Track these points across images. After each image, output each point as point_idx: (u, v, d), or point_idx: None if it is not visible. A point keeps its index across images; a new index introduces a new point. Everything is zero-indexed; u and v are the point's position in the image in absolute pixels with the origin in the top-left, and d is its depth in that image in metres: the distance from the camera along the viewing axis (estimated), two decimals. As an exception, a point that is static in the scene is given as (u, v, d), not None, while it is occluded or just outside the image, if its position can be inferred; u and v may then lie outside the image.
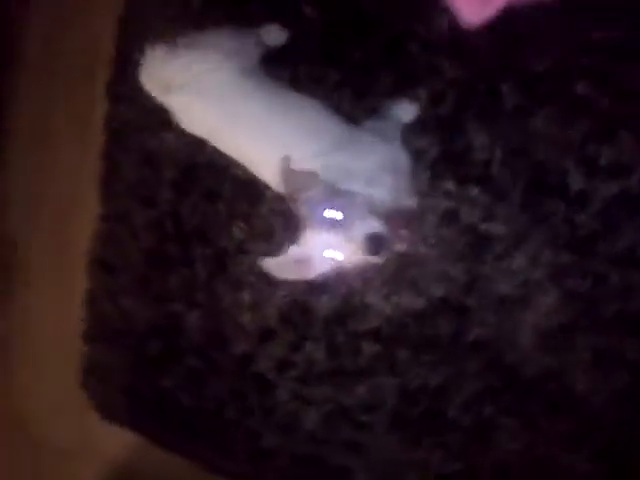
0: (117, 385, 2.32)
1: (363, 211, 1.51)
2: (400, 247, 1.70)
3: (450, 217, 1.88)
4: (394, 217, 1.56)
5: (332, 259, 1.53)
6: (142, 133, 2.14)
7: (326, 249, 1.52)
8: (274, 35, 1.90)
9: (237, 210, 2.07)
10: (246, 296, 2.10)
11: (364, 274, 1.94)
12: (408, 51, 1.86)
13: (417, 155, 1.81)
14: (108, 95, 2.19)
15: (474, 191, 1.85)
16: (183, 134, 1.85)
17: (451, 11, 1.72)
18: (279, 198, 1.95)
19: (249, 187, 2.02)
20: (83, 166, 2.27)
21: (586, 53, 1.75)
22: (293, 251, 1.58)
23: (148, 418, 2.30)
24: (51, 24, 2.31)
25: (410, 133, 1.80)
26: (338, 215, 1.49)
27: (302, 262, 1.57)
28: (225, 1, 1.99)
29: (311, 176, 1.53)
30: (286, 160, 1.55)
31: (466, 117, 1.84)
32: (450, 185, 1.86)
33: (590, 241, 1.81)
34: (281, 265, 1.59)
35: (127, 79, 2.11)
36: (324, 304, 2.03)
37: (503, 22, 1.74)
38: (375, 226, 1.49)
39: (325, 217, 1.50)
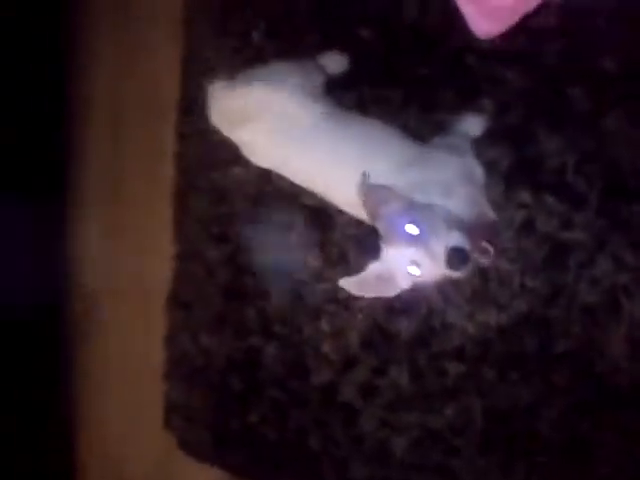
0: (201, 422, 2.32)
1: (443, 224, 1.47)
2: (483, 261, 1.65)
3: (527, 228, 1.84)
4: (475, 229, 1.52)
5: (414, 275, 1.50)
6: (211, 169, 2.16)
7: (408, 264, 1.49)
8: (335, 62, 1.91)
9: (310, 238, 2.06)
10: (325, 324, 2.08)
11: (445, 292, 1.92)
12: (468, 64, 1.84)
13: (489, 167, 1.77)
14: (176, 135, 2.23)
15: (550, 199, 1.81)
16: (251, 167, 1.87)
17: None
18: (351, 223, 1.96)
19: (320, 215, 2.02)
20: (155, 208, 2.30)
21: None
22: (374, 268, 1.55)
23: (234, 453, 2.29)
24: (116, 72, 2.36)
25: (480, 145, 1.77)
26: (418, 229, 1.47)
27: (383, 279, 1.54)
28: (284, 32, 2.01)
29: (390, 190, 1.51)
30: (365, 176, 1.53)
31: (536, 124, 1.80)
32: (525, 195, 1.82)
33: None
34: (362, 283, 1.57)
35: (193, 117, 2.16)
36: (405, 326, 2.00)
37: (566, 25, 1.71)
38: (457, 239, 1.45)
39: (405, 232, 1.47)
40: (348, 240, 2.02)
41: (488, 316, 1.92)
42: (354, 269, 1.92)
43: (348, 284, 1.58)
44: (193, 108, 2.16)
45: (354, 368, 2.08)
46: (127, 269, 2.42)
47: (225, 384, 2.26)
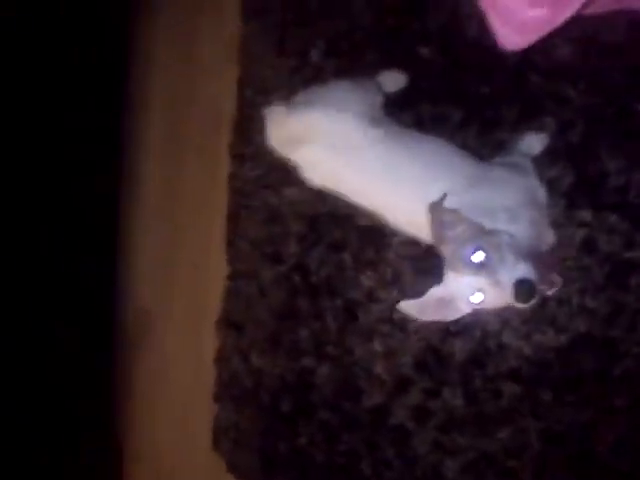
0: (250, 444, 2.31)
1: (510, 252, 1.46)
2: (550, 292, 1.64)
3: (588, 247, 1.83)
4: (541, 259, 1.51)
5: (477, 303, 1.49)
6: (265, 190, 2.18)
7: (471, 292, 1.48)
8: (394, 80, 1.93)
9: (364, 258, 2.07)
10: (378, 345, 2.08)
11: (501, 313, 1.90)
12: (530, 81, 1.85)
13: (550, 185, 1.77)
14: (231, 155, 2.26)
15: (612, 218, 1.80)
16: (305, 187, 1.87)
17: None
18: (406, 243, 1.96)
19: (374, 235, 2.03)
20: (209, 228, 2.32)
21: None
22: (435, 292, 1.55)
23: (283, 476, 2.26)
24: (174, 94, 2.40)
25: (541, 163, 1.77)
26: (484, 256, 1.46)
27: (444, 303, 1.54)
28: (343, 51, 2.03)
29: (458, 214, 1.50)
30: (437, 199, 1.52)
31: (598, 143, 1.80)
32: (586, 214, 1.82)
33: None
34: (422, 307, 1.56)
35: (249, 138, 2.18)
36: (459, 347, 1.98)
37: (632, 43, 1.72)
38: (524, 271, 1.43)
39: (471, 259, 1.47)
40: (403, 260, 2.02)
41: (545, 337, 1.90)
42: (408, 290, 1.96)
43: (408, 307, 1.57)
44: (248, 129, 2.19)
45: (407, 390, 2.06)
46: (180, 288, 2.43)
47: (275, 406, 2.25)
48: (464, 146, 1.81)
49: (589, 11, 1.70)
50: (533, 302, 1.45)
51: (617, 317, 1.83)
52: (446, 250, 1.53)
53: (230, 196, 2.28)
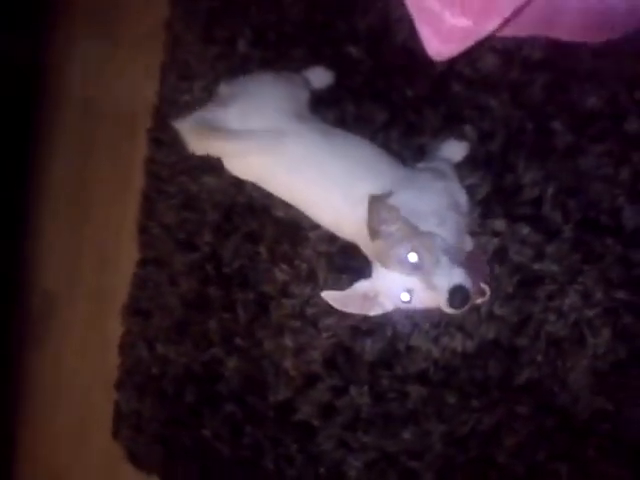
0: (152, 434, 2.25)
1: (444, 256, 1.47)
2: (479, 301, 1.66)
3: (500, 256, 1.86)
4: (475, 268, 1.53)
5: (404, 301, 1.50)
6: (183, 176, 2.13)
7: (401, 290, 1.49)
8: (320, 77, 1.91)
9: (279, 252, 2.04)
10: (288, 341, 2.06)
11: (411, 316, 1.92)
12: (454, 89, 1.86)
13: (467, 193, 1.79)
14: (149, 139, 2.19)
15: (524, 229, 1.84)
16: (224, 176, 1.84)
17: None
18: (323, 239, 1.95)
19: (291, 229, 2.01)
20: (122, 212, 2.25)
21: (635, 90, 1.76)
22: (361, 286, 1.55)
23: (186, 467, 2.22)
24: (92, 70, 2.32)
25: (460, 170, 1.79)
26: (416, 257, 1.46)
27: (368, 298, 1.54)
28: (270, 43, 2.00)
29: (397, 212, 1.50)
30: (378, 193, 1.53)
31: (516, 154, 1.83)
32: (500, 223, 1.84)
33: (646, 279, 1.79)
34: (345, 299, 1.56)
35: (169, 125, 2.12)
36: (369, 347, 1.99)
37: (552, 59, 1.75)
38: (461, 277, 1.45)
39: (406, 258, 1.47)
40: (319, 257, 2.00)
41: (454, 341, 1.93)
42: (322, 286, 1.96)
43: (330, 297, 1.56)
44: (169, 114, 2.13)
45: (314, 386, 2.06)
46: (88, 273, 2.35)
47: (179, 395, 2.20)
48: (386, 148, 1.81)
49: (510, 32, 1.72)
50: (464, 309, 1.47)
51: (523, 326, 1.87)
52: (379, 246, 1.53)
53: (146, 180, 2.22)
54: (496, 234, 1.86)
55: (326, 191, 1.64)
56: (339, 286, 1.64)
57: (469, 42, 1.71)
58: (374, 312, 1.56)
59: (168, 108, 2.14)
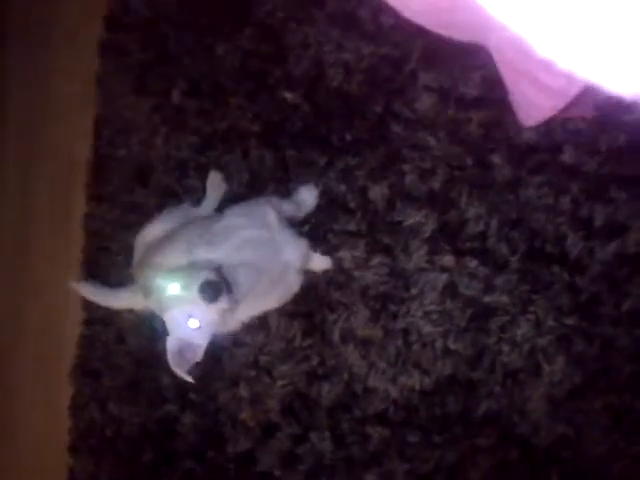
0: (110, 498, 2.19)
1: (196, 270, 1.53)
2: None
3: (450, 291, 1.86)
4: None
5: (195, 326, 1.53)
6: (125, 231, 2.09)
7: (186, 320, 1.53)
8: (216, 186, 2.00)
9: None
10: (243, 391, 2.03)
11: (367, 356, 1.91)
12: (393, 130, 1.87)
13: (413, 231, 1.80)
14: (87, 196, 2.15)
15: (472, 263, 1.85)
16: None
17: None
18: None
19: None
20: (66, 268, 2.20)
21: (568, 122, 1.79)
22: (170, 343, 1.57)
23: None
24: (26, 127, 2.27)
25: (406, 208, 1.80)
26: (178, 287, 1.51)
27: (185, 346, 1.56)
28: (205, 92, 1.99)
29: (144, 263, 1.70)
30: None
31: (458, 190, 1.84)
32: (448, 259, 1.85)
33: (593, 305, 1.81)
34: (175, 360, 1.58)
35: (106, 178, 2.10)
36: (326, 391, 1.97)
37: (487, 96, 1.77)
38: (206, 274, 1.50)
39: (170, 295, 1.52)
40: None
41: (411, 379, 1.92)
42: (274, 334, 1.94)
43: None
44: (106, 168, 2.10)
45: (274, 436, 2.03)
46: (34, 332, 2.28)
47: (136, 455, 2.15)
48: (326, 190, 1.83)
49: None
50: (225, 300, 1.50)
51: (479, 359, 1.88)
52: (153, 303, 1.61)
53: (86, 238, 2.17)
54: (444, 269, 1.86)
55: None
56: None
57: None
58: (200, 355, 1.58)
59: (104, 162, 2.11)
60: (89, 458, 2.21)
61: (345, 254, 1.92)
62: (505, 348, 1.86)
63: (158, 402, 2.11)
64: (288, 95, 1.92)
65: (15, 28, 2.30)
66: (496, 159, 1.83)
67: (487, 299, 1.85)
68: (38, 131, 2.26)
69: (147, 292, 1.62)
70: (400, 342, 1.91)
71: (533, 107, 1.40)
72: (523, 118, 1.52)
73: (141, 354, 2.11)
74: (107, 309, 2.08)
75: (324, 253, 1.91)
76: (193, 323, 1.53)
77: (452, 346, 1.89)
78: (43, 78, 2.26)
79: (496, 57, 1.29)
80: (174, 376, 2.03)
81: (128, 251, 2.05)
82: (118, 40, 2.12)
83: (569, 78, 1.21)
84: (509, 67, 1.29)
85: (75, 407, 2.21)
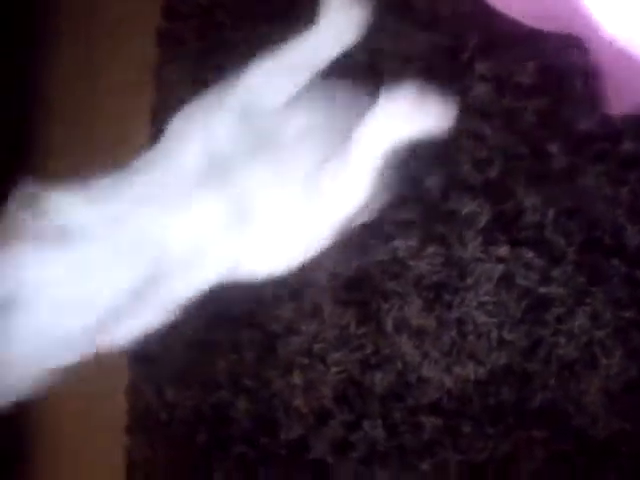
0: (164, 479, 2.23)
1: None
2: None
3: (506, 282, 1.85)
4: None
5: None
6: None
7: None
8: None
9: (284, 290, 2.03)
10: (297, 378, 2.05)
11: (421, 346, 1.91)
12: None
13: (468, 221, 1.79)
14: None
15: (528, 254, 1.83)
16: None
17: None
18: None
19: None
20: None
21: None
22: None
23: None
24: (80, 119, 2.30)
25: (461, 199, 1.79)
26: None
27: None
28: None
29: None
30: None
31: (514, 180, 1.83)
32: (503, 249, 1.84)
33: (652, 297, 1.78)
34: None
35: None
36: (379, 380, 1.98)
37: (543, 84, 1.75)
38: None
39: None
40: (323, 292, 1.99)
41: (465, 370, 1.91)
42: (328, 321, 1.95)
43: None
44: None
45: (327, 423, 2.04)
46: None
47: (190, 439, 2.18)
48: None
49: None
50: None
51: (534, 350, 1.86)
52: None
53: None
54: (500, 260, 1.85)
55: None
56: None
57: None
58: None
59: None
60: (146, 441, 2.25)
61: (400, 243, 1.92)
62: (561, 340, 1.84)
63: (212, 387, 2.14)
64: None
65: (64, 20, 2.32)
66: (553, 148, 1.80)
67: (543, 290, 1.84)
68: (94, 123, 2.28)
69: None
70: (454, 332, 1.90)
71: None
72: (615, 106, 1.50)
73: (196, 338, 2.14)
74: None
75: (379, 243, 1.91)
76: None
77: (507, 337, 1.87)
78: (99, 69, 2.28)
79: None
80: (229, 362, 2.09)
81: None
82: (175, 30, 2.13)
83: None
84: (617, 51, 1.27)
85: (130, 392, 2.25)
